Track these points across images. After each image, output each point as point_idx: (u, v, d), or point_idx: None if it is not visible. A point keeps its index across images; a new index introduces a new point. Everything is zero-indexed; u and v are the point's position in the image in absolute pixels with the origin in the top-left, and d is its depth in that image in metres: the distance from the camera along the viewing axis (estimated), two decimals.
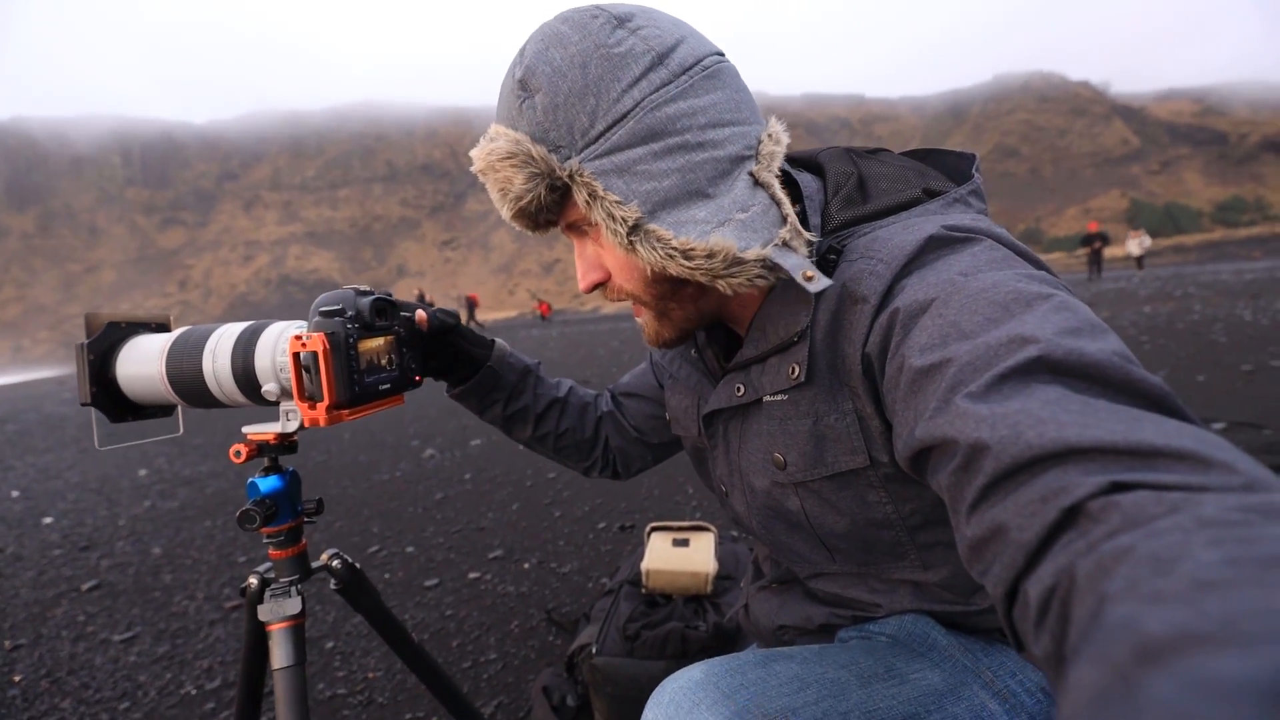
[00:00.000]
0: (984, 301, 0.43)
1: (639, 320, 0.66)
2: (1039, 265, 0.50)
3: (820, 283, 0.51)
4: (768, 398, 0.62)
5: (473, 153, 0.59)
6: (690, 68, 0.53)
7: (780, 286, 0.59)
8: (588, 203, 0.54)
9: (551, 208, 0.58)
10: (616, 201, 0.53)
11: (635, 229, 0.53)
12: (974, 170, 0.63)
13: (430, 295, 20.81)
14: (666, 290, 0.60)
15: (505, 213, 0.59)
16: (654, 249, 0.54)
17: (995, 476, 0.34)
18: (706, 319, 0.65)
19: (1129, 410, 0.33)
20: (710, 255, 0.52)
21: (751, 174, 0.55)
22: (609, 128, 0.52)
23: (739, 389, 0.65)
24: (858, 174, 0.62)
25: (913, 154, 0.69)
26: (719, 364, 0.73)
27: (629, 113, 0.52)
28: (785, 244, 0.54)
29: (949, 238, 0.52)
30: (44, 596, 2.44)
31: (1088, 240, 18.38)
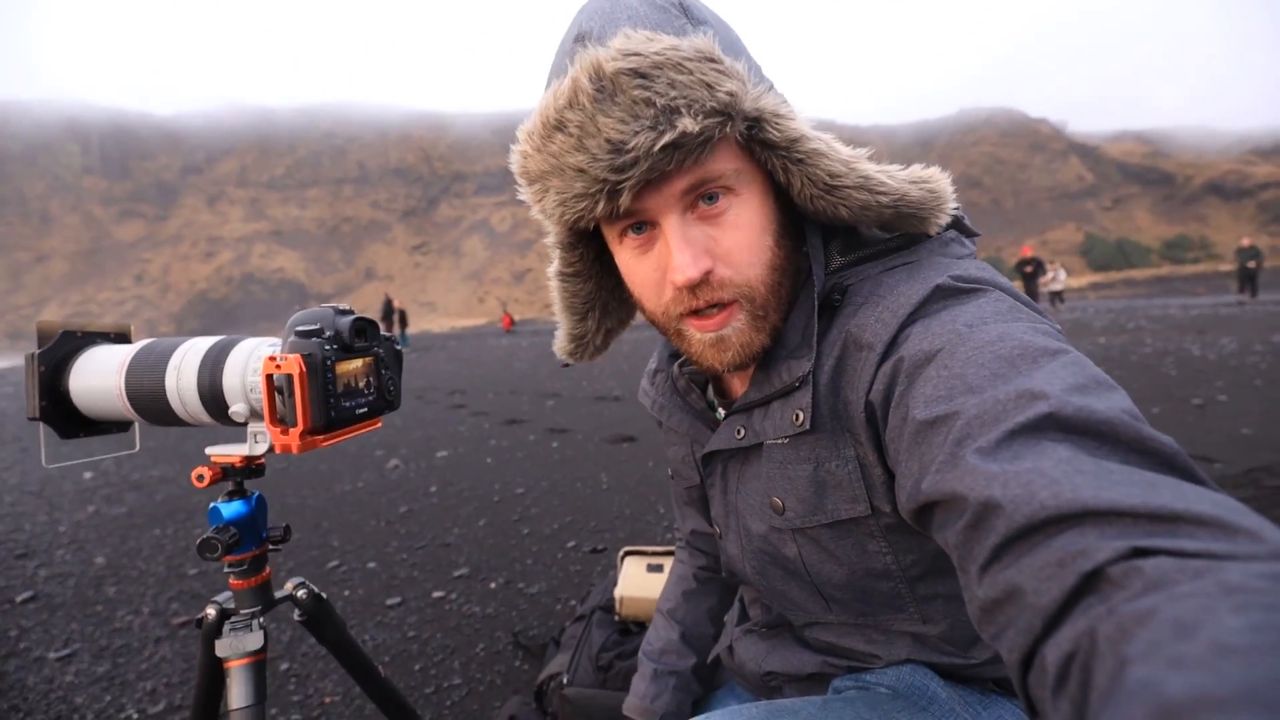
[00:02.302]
0: (990, 355, 0.43)
1: (720, 332, 0.55)
2: (1042, 319, 0.50)
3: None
4: (769, 441, 0.61)
5: (601, 52, 0.45)
6: None
7: (789, 327, 0.58)
8: (795, 139, 0.50)
9: (705, 149, 0.48)
10: (827, 140, 0.53)
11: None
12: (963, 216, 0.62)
13: (399, 300, 20.44)
14: (777, 281, 0.56)
15: (679, 125, 0.45)
16: (890, 178, 0.53)
17: (1008, 536, 0.34)
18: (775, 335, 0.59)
19: (1142, 472, 0.33)
20: (936, 180, 0.55)
21: None
22: (761, 92, 0.51)
23: (739, 431, 0.63)
24: None
25: None
26: (706, 405, 0.72)
27: (765, 81, 0.52)
28: None
29: (955, 288, 0.51)
30: None
31: (1020, 265, 18.01)
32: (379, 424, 0.74)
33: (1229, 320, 10.73)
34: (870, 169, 0.53)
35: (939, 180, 0.55)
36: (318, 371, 0.62)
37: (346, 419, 0.66)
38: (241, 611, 0.72)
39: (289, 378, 0.60)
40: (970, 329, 0.46)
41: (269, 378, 0.61)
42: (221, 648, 0.69)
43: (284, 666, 1.79)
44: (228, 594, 0.75)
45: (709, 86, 0.45)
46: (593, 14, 0.50)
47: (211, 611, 0.73)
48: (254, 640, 0.70)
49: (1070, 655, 0.28)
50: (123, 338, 0.77)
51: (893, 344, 0.51)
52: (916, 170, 0.56)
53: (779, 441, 0.60)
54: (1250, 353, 6.60)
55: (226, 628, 0.71)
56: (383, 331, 0.73)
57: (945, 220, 0.56)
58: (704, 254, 0.52)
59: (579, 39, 0.50)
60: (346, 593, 2.26)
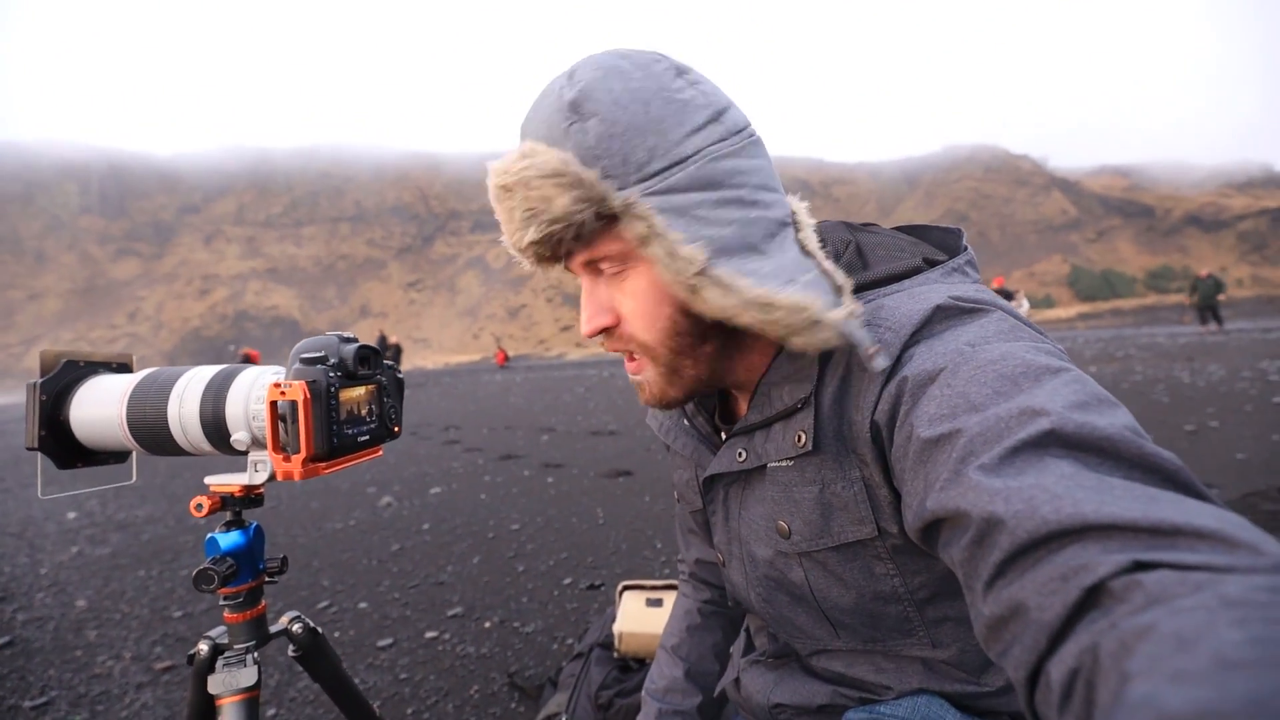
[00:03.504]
0: (992, 373, 0.43)
1: (636, 378, 0.61)
2: (1044, 339, 0.51)
3: (882, 360, 0.50)
4: (772, 464, 0.61)
5: (494, 165, 0.53)
6: (740, 130, 0.54)
7: (786, 353, 0.59)
8: (643, 238, 0.51)
9: (584, 238, 0.53)
10: (680, 239, 0.50)
11: (701, 272, 0.51)
12: (964, 243, 0.64)
13: (393, 336, 20.45)
14: (687, 345, 0.57)
15: (528, 234, 0.52)
16: (726, 294, 0.50)
17: (1011, 552, 0.34)
18: (715, 382, 0.61)
19: (1144, 487, 0.33)
20: (795, 309, 0.50)
21: (799, 241, 0.56)
22: (668, 167, 0.50)
23: (741, 454, 0.63)
24: (855, 243, 0.63)
25: (900, 229, 0.70)
26: (711, 428, 0.72)
27: (690, 157, 0.51)
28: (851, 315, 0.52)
29: (957, 308, 0.52)
30: None
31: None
32: (380, 452, 0.74)
33: (1216, 348, 10.85)
34: (724, 271, 0.50)
35: (809, 305, 0.51)
36: (322, 398, 0.62)
37: (349, 446, 0.66)
38: (235, 646, 0.70)
39: (293, 404, 0.61)
40: (973, 348, 0.47)
41: (273, 404, 0.61)
42: (214, 684, 0.67)
43: (271, 713, 1.73)
44: (221, 629, 0.73)
45: (548, 200, 0.50)
46: (528, 111, 0.55)
47: (204, 647, 0.71)
48: (248, 676, 0.68)
49: (1074, 671, 0.28)
50: (124, 368, 0.77)
51: (896, 364, 0.51)
52: (782, 295, 0.51)
53: (783, 464, 0.60)
54: (1239, 379, 6.66)
55: (220, 663, 0.69)
56: None
57: (823, 340, 0.52)
58: (605, 312, 0.57)
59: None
60: (337, 634, 2.20)
